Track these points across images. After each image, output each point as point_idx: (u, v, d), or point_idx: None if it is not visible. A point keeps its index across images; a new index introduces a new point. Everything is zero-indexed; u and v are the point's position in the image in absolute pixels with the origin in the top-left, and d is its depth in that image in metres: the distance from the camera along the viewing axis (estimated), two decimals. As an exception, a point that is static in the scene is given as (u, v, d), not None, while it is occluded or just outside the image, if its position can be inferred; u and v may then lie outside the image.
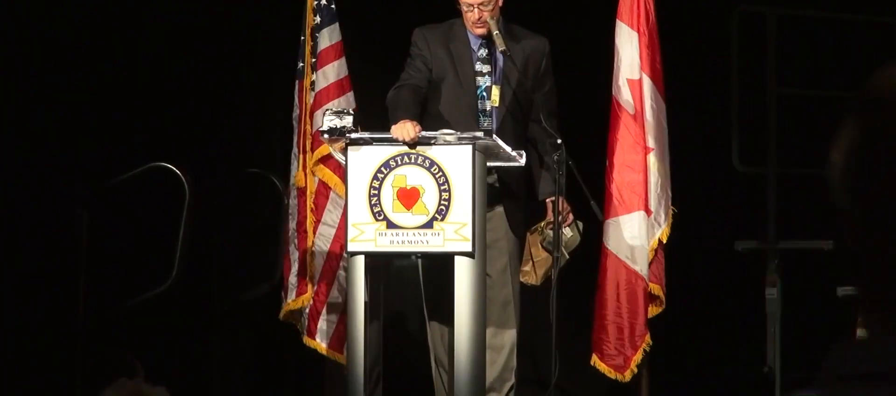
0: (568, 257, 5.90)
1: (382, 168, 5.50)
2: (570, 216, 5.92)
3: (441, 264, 5.54)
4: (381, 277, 5.68)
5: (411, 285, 6.67)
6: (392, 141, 5.50)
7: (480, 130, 5.72)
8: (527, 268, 5.92)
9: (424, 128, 5.62)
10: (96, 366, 5.75)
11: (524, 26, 6.06)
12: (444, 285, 5.57)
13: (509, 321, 5.92)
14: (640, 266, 6.07)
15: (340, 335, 6.20)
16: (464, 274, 5.44)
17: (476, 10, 5.84)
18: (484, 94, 5.93)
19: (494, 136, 5.54)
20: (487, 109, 5.92)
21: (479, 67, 5.95)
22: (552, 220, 5.78)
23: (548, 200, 5.89)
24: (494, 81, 5.92)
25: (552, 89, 6.04)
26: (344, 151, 5.55)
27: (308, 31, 6.35)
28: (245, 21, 7.15)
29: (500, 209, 5.91)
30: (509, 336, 5.93)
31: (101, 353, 5.76)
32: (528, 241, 5.92)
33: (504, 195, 5.91)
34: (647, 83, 6.12)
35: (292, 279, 6.32)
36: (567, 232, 5.92)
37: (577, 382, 6.78)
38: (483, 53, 5.95)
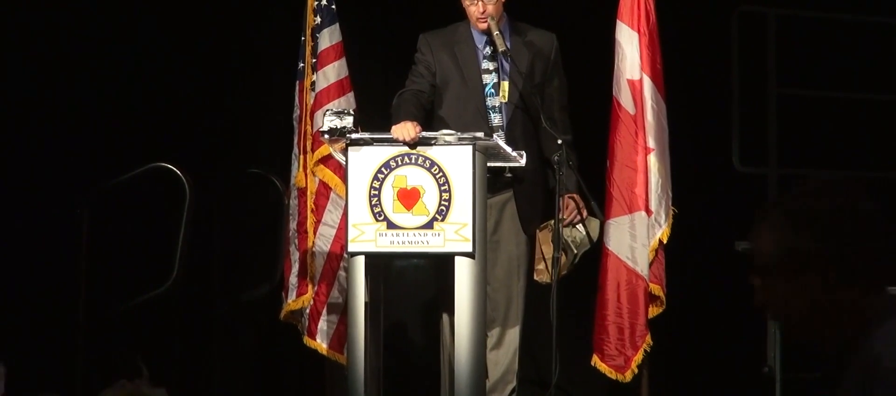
0: (577, 253, 5.90)
1: (383, 169, 5.50)
2: (577, 215, 5.91)
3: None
4: (381, 277, 5.68)
5: (413, 285, 6.68)
6: (392, 141, 5.50)
7: (490, 129, 5.72)
8: (540, 266, 5.92)
9: (433, 131, 5.61)
10: (101, 366, 5.76)
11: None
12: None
13: (512, 322, 5.92)
14: (641, 267, 6.07)
15: (341, 336, 6.20)
16: (464, 275, 5.44)
17: (480, 2, 5.86)
18: (492, 91, 5.94)
19: (495, 136, 5.53)
20: (496, 105, 5.93)
21: (485, 64, 5.96)
22: (561, 218, 5.78)
23: (559, 195, 5.87)
24: (502, 78, 5.93)
25: (562, 85, 6.05)
26: (344, 151, 5.55)
27: (308, 32, 6.35)
28: (245, 21, 7.15)
29: (511, 205, 5.91)
30: (512, 337, 5.93)
31: (106, 353, 5.76)
32: (538, 238, 5.92)
33: (516, 190, 5.91)
34: (647, 84, 6.12)
35: (293, 279, 6.32)
36: (580, 230, 5.92)
37: (577, 382, 6.78)
38: (488, 50, 5.96)
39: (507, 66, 5.94)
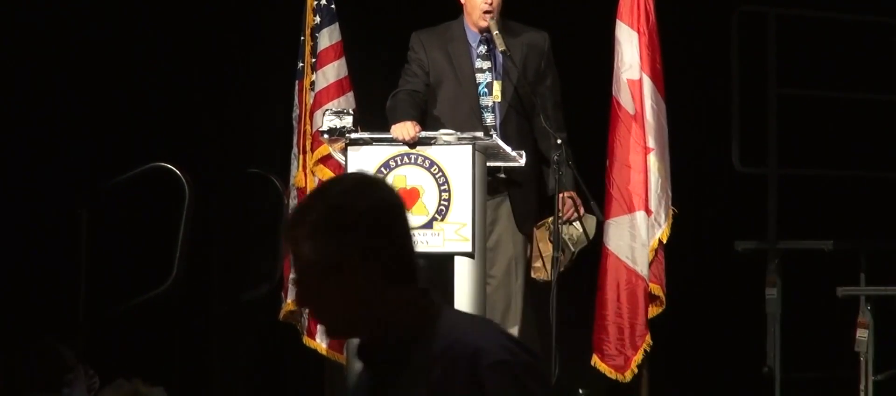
0: (574, 251, 5.90)
1: (382, 168, 5.50)
2: (574, 213, 5.91)
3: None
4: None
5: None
6: (392, 141, 5.50)
7: (483, 129, 5.72)
8: (538, 264, 5.91)
9: (427, 130, 5.61)
10: (28, 362, 5.70)
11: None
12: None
13: (512, 321, 5.91)
14: (641, 266, 6.07)
15: (340, 336, 6.19)
16: (464, 274, 5.44)
17: None
18: (485, 90, 5.93)
19: (494, 135, 5.53)
20: (490, 105, 5.92)
21: (478, 64, 5.95)
22: (560, 216, 5.77)
23: (558, 194, 5.86)
24: (495, 77, 5.92)
25: (555, 82, 6.04)
26: (344, 151, 5.56)
27: (308, 32, 6.35)
28: (245, 21, 7.14)
29: (506, 205, 5.90)
30: (512, 336, 5.91)
31: (32, 349, 5.71)
32: (535, 236, 5.91)
33: (511, 190, 5.90)
34: (647, 83, 6.12)
35: (292, 279, 6.32)
36: (578, 227, 5.92)
37: (577, 382, 6.77)
38: (482, 49, 5.95)
39: (500, 64, 5.92)
